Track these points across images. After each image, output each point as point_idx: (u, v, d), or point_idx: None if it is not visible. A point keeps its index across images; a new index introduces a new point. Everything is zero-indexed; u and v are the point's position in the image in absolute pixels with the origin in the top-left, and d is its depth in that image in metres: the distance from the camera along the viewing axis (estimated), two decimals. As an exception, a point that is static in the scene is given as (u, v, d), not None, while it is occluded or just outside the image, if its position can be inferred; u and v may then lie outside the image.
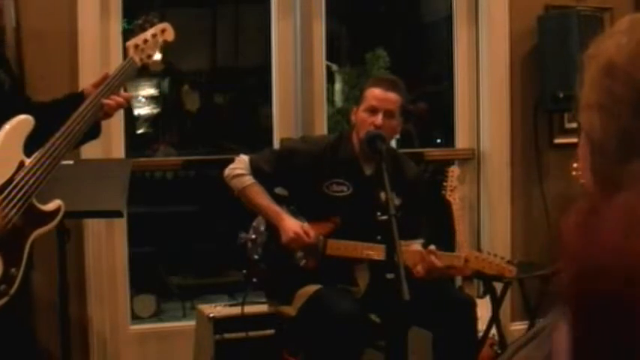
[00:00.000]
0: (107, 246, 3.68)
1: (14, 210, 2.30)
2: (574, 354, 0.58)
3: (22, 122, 2.36)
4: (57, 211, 2.44)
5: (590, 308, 0.56)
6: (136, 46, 2.64)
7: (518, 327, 4.14)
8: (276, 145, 3.89)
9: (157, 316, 5.20)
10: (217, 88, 7.05)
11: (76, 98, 2.57)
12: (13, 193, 2.30)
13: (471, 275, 3.54)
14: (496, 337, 3.73)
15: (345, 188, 3.16)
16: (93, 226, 3.60)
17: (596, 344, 0.56)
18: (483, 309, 3.57)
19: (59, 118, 2.43)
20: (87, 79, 3.52)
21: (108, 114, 2.56)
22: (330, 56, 4.84)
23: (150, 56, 2.67)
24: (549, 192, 4.23)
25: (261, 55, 5.53)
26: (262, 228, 3.19)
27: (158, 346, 3.87)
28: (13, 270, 2.28)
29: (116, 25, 3.71)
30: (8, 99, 2.45)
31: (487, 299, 3.76)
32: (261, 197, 3.15)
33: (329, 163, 3.15)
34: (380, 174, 2.85)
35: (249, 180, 3.16)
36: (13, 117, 2.37)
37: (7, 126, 2.33)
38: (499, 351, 3.68)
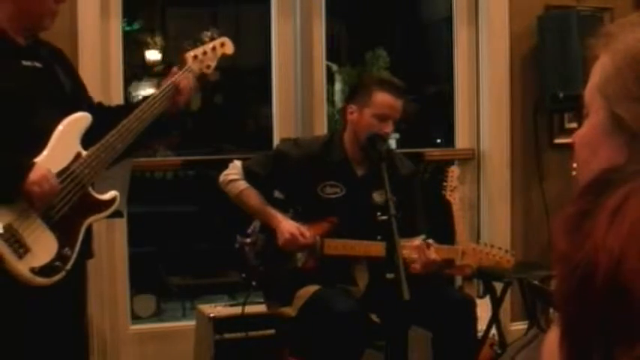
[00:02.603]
0: (107, 246, 3.68)
1: (69, 196, 2.51)
2: (563, 353, 0.58)
3: (79, 118, 2.58)
4: (112, 200, 2.65)
5: (575, 308, 0.56)
6: (195, 57, 2.80)
7: (518, 327, 4.14)
8: (276, 145, 3.89)
9: (157, 316, 5.21)
10: (217, 88, 7.04)
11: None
12: (68, 180, 2.51)
13: (471, 275, 3.55)
14: (496, 337, 3.73)
15: (338, 190, 3.16)
16: (93, 226, 3.59)
17: (585, 343, 0.56)
18: (483, 309, 3.57)
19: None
20: (87, 79, 3.51)
21: (178, 97, 2.68)
22: (330, 56, 4.84)
23: (209, 67, 2.84)
24: (549, 192, 4.23)
25: (261, 55, 5.53)
26: (259, 232, 3.20)
27: (158, 346, 3.87)
28: (66, 249, 2.49)
29: (116, 25, 3.71)
30: (69, 100, 2.63)
31: (487, 299, 3.77)
32: (255, 201, 3.15)
33: (321, 165, 3.15)
34: (380, 175, 2.86)
35: (243, 185, 3.17)
36: None
37: (65, 122, 2.55)
38: (499, 351, 3.68)
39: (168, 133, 2.93)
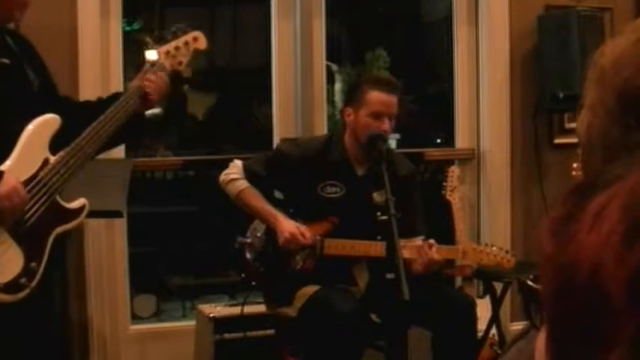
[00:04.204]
0: (107, 246, 3.68)
1: (36, 206, 2.35)
2: (549, 353, 0.59)
3: (48, 121, 2.41)
4: (81, 209, 2.49)
5: (558, 311, 0.57)
6: (167, 53, 2.69)
7: (518, 327, 4.14)
8: (276, 145, 3.89)
9: (157, 316, 5.20)
10: (217, 88, 7.04)
11: (119, 96, 2.62)
12: (36, 189, 2.35)
13: (471, 275, 3.54)
14: (496, 337, 3.73)
15: (338, 189, 3.16)
16: (93, 226, 3.60)
17: (567, 346, 0.56)
18: (483, 309, 3.57)
19: (97, 116, 2.48)
20: (87, 78, 3.53)
21: (149, 98, 2.58)
22: (330, 56, 4.84)
23: (181, 63, 2.71)
24: (549, 192, 4.23)
25: (261, 55, 5.53)
26: (259, 232, 3.20)
27: (158, 346, 3.87)
28: (33, 264, 2.33)
29: (116, 25, 3.71)
30: (37, 100, 2.48)
31: (487, 299, 3.77)
32: (256, 200, 3.15)
33: (321, 164, 3.16)
34: (380, 175, 2.86)
35: (243, 184, 3.16)
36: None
37: (32, 125, 2.38)
38: (499, 351, 3.68)
39: (142, 133, 2.78)
